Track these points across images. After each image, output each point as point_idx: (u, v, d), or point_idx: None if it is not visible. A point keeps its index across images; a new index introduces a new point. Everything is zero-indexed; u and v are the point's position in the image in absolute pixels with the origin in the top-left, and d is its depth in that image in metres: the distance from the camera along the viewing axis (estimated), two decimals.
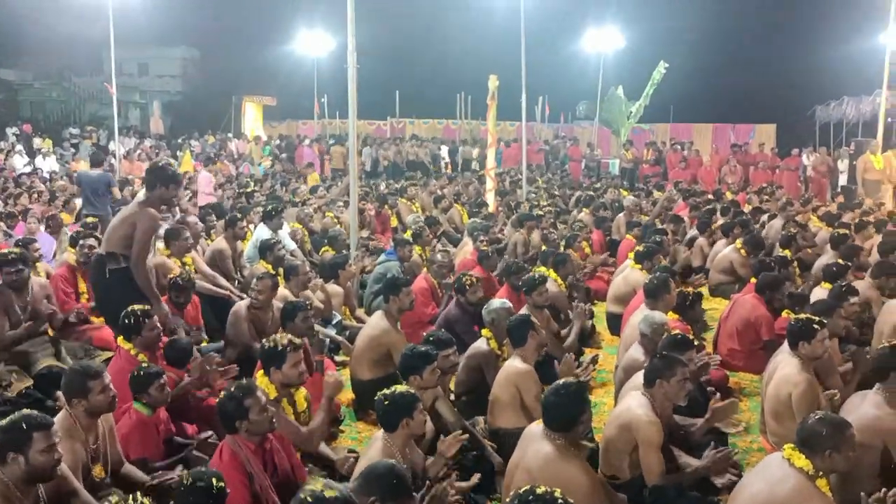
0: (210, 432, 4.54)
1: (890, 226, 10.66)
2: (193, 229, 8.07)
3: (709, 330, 7.46)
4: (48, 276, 6.78)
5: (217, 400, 3.80)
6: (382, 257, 8.70)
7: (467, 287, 6.41)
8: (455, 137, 28.15)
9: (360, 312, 7.83)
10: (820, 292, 6.56)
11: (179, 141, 24.88)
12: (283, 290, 6.47)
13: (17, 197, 12.59)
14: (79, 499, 3.49)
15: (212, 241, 8.85)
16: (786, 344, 4.83)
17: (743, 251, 8.80)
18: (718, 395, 4.74)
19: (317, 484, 3.48)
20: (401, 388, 3.91)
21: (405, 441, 3.78)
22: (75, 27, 22.80)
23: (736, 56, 31.49)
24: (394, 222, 12.71)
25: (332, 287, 7.45)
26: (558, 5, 24.37)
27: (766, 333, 6.35)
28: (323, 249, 9.37)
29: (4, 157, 19.12)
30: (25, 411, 3.29)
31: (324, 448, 4.59)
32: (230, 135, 26.76)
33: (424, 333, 5.16)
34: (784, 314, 6.25)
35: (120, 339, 4.90)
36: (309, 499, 2.81)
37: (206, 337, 6.58)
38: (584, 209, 12.55)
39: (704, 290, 8.52)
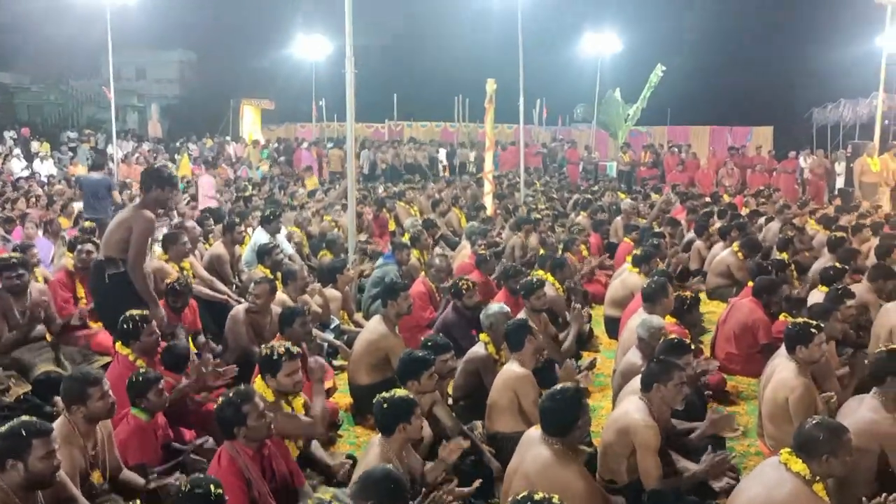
0: (207, 437, 4.54)
1: (887, 228, 10.68)
2: (191, 234, 8.07)
3: (706, 333, 7.47)
4: (46, 281, 6.77)
5: (215, 405, 3.81)
6: (380, 261, 8.68)
7: (463, 291, 6.42)
8: (453, 140, 28.20)
9: (358, 316, 7.83)
10: (817, 295, 6.58)
11: (177, 144, 24.88)
12: (281, 295, 6.48)
13: (15, 201, 12.56)
14: None
15: (210, 245, 8.86)
16: (783, 348, 4.84)
17: (740, 254, 8.80)
18: (715, 405, 4.74)
19: (325, 494, 3.50)
20: (400, 392, 3.91)
21: (402, 445, 3.78)
22: (73, 31, 22.82)
23: (733, 59, 31.60)
24: (392, 226, 12.71)
25: (330, 291, 7.45)
26: (556, 9, 24.46)
27: (764, 337, 6.37)
28: (321, 253, 9.38)
29: (2, 161, 19.10)
30: (24, 418, 3.29)
31: (321, 453, 4.60)
32: (228, 138, 26.77)
33: (422, 338, 5.17)
34: (781, 318, 6.26)
35: (118, 344, 4.90)
36: None
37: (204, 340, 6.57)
38: (581, 212, 12.55)
39: (702, 294, 8.53)
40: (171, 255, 7.07)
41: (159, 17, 25.29)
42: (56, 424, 3.63)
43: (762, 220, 11.95)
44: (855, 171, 16.12)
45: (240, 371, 4.97)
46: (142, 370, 4.40)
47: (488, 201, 13.69)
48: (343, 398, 5.90)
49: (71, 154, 21.94)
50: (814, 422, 3.46)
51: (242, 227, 8.81)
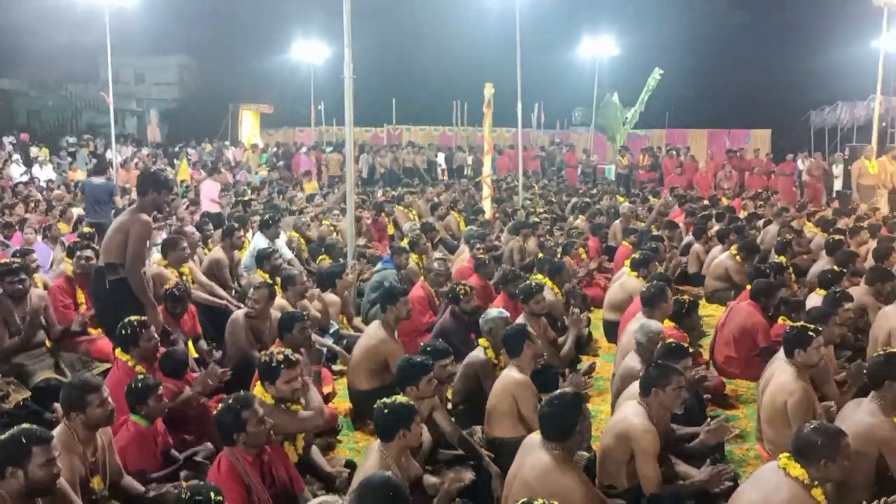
0: (206, 444, 4.55)
1: (884, 231, 10.70)
2: (190, 239, 8.08)
3: (705, 337, 7.48)
4: (45, 286, 6.77)
5: (215, 412, 3.82)
6: (379, 265, 8.68)
7: (461, 296, 6.43)
8: (452, 144, 28.22)
9: (357, 321, 7.84)
10: (815, 298, 6.59)
11: (176, 149, 24.89)
12: (280, 300, 6.49)
13: (14, 207, 12.58)
14: None
15: (209, 250, 8.86)
16: (781, 351, 4.85)
17: (738, 257, 8.81)
18: (714, 416, 4.74)
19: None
20: (401, 398, 3.92)
21: (401, 451, 3.79)
22: (71, 36, 22.85)
23: (730, 62, 31.60)
24: (391, 230, 12.72)
25: (330, 296, 7.46)
26: (553, 12, 24.47)
27: (763, 340, 6.37)
28: (320, 258, 9.39)
29: (1, 167, 19.11)
30: (24, 426, 3.29)
31: (320, 460, 4.61)
32: (227, 143, 26.78)
33: (422, 342, 5.18)
34: (780, 321, 6.26)
35: (117, 350, 4.91)
36: None
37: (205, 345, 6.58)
38: (580, 216, 12.57)
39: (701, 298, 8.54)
40: (170, 261, 7.08)
41: (158, 22, 25.28)
42: (56, 432, 3.63)
43: (760, 222, 11.96)
44: (852, 174, 16.15)
45: (240, 376, 4.98)
46: (141, 376, 4.41)
47: (487, 205, 13.71)
48: (342, 403, 5.91)
49: (70, 159, 21.96)
50: (812, 426, 3.46)
51: (241, 232, 8.82)
